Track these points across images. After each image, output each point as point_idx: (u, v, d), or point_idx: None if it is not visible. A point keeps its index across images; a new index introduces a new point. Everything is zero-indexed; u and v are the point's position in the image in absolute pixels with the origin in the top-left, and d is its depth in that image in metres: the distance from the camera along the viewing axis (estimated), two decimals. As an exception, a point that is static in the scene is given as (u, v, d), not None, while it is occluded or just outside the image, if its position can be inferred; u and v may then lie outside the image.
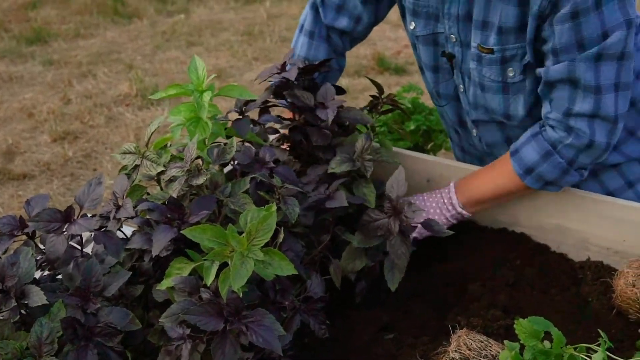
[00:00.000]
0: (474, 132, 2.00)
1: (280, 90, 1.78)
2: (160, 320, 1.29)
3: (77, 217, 1.37)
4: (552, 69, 1.65)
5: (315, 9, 2.05)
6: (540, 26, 1.64)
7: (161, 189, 1.58)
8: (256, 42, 5.15)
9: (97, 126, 3.91)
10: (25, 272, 1.29)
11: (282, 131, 1.83)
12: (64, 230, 1.36)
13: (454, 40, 1.83)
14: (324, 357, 1.54)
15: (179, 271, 1.35)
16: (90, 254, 1.43)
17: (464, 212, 1.83)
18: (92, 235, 1.42)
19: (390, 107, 1.91)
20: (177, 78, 4.47)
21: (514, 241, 1.87)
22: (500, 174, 1.82)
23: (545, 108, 1.75)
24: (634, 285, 1.56)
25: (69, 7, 5.86)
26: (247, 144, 1.67)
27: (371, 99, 1.91)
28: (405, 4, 1.92)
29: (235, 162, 1.55)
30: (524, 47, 1.71)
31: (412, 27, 1.93)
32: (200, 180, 1.41)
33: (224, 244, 1.28)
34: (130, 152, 1.56)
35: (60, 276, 1.41)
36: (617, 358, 1.35)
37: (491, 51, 1.74)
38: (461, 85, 1.91)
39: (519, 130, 1.87)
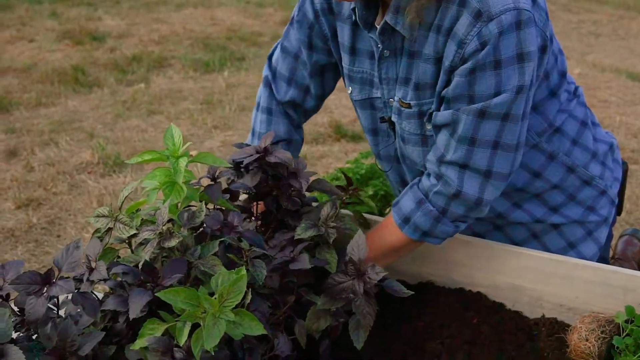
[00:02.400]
0: None
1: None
2: (135, 378, 1.33)
3: (56, 280, 1.41)
4: (440, 114, 1.72)
5: (268, 85, 2.14)
6: (449, 80, 1.71)
7: (132, 251, 1.64)
8: (215, 111, 5.24)
9: (60, 193, 3.93)
10: (3, 333, 1.33)
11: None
12: (44, 292, 1.40)
13: (392, 103, 1.89)
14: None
15: (152, 332, 1.40)
16: (64, 315, 1.47)
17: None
18: (68, 297, 1.46)
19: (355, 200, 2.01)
20: (139, 146, 4.52)
21: (471, 300, 1.92)
22: (387, 230, 1.88)
23: (429, 153, 1.82)
24: (587, 340, 1.62)
25: (30, 76, 5.92)
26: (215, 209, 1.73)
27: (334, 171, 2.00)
28: (342, 71, 2.01)
29: (205, 226, 1.61)
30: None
31: (349, 92, 2.01)
32: (172, 242, 1.47)
33: (196, 306, 1.33)
34: (103, 216, 1.61)
35: (35, 336, 1.44)
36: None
37: (409, 106, 1.82)
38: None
39: None
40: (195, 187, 1.73)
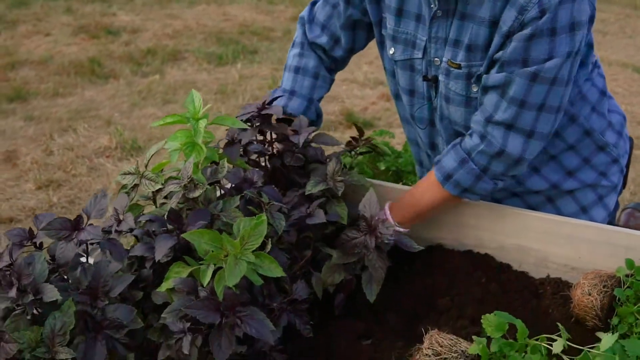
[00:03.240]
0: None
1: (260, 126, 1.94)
2: (162, 315, 1.41)
3: (85, 226, 1.50)
4: (492, 76, 1.81)
5: (303, 26, 2.24)
6: (504, 43, 1.80)
7: (156, 207, 1.73)
8: (229, 100, 5.33)
9: (80, 175, 4.03)
10: (40, 273, 1.42)
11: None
12: (73, 237, 1.49)
13: (438, 63, 1.97)
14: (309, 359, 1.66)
15: (177, 274, 1.49)
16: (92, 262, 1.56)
17: (401, 229, 1.92)
18: (97, 245, 1.55)
19: (367, 149, 2.09)
20: (155, 132, 4.62)
21: (479, 261, 2.00)
22: (428, 187, 1.97)
23: (475, 113, 1.90)
24: (589, 294, 1.68)
25: (46, 69, 6.03)
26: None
27: (350, 139, 2.08)
28: (386, 31, 2.08)
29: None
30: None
31: (391, 53, 2.09)
32: (197, 193, 1.56)
33: (219, 248, 1.42)
34: (130, 173, 1.70)
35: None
36: (575, 345, 1.50)
37: (459, 66, 1.90)
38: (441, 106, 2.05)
39: None
40: (214, 148, 1.81)
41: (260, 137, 1.93)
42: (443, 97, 2.01)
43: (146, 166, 1.74)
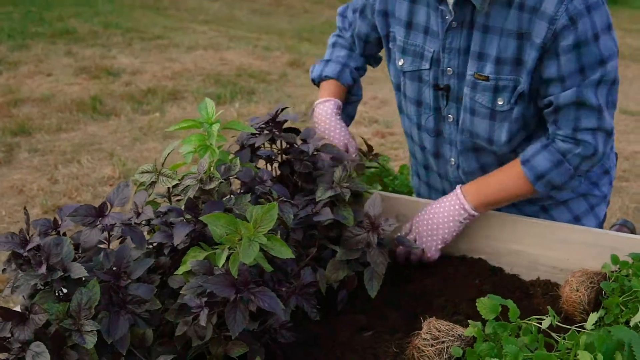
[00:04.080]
0: (452, 160, 2.27)
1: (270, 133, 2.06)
2: (181, 292, 1.52)
3: (108, 213, 1.61)
4: (562, 96, 1.94)
5: (340, 15, 2.47)
6: (542, 56, 1.93)
7: (171, 204, 1.83)
8: (228, 137, 5.45)
9: (84, 201, 4.14)
10: (67, 254, 1.52)
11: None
12: (98, 223, 1.60)
13: (450, 72, 2.09)
14: (313, 349, 1.75)
15: (194, 258, 1.58)
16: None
17: (475, 213, 2.06)
18: (117, 234, 1.66)
19: (374, 166, 2.23)
20: (159, 161, 4.74)
21: (473, 265, 2.11)
22: (510, 180, 2.07)
23: (551, 127, 2.02)
24: (577, 290, 1.78)
25: (49, 106, 6.17)
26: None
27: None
28: (394, 44, 2.22)
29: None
30: (515, 80, 1.99)
31: (400, 64, 2.21)
32: (213, 184, 1.67)
33: (234, 231, 1.53)
34: (148, 172, 1.81)
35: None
36: (564, 325, 1.60)
37: (487, 79, 2.02)
38: (449, 115, 2.18)
39: (494, 158, 2.16)
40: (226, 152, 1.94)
41: (269, 144, 2.05)
42: (468, 111, 2.11)
43: (162, 164, 1.85)
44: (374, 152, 2.23)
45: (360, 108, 2.40)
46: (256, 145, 1.96)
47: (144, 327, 1.51)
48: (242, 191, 1.84)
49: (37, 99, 6.37)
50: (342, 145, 2.20)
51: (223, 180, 1.72)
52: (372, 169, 2.51)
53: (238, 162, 1.80)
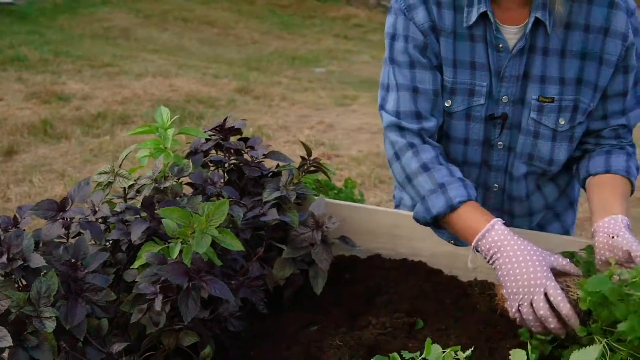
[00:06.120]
0: (495, 186, 2.25)
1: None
2: (136, 280, 1.61)
3: (69, 208, 1.70)
4: (632, 116, 2.12)
5: (398, 129, 2.12)
6: (614, 74, 2.04)
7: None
8: (184, 144, 5.55)
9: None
10: (27, 245, 1.59)
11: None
12: (59, 218, 1.68)
13: (506, 100, 2.07)
14: (261, 342, 1.84)
15: (149, 251, 1.69)
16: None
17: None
18: (76, 230, 1.74)
19: (314, 168, 2.32)
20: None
21: (413, 267, 2.20)
22: (624, 189, 2.05)
23: (610, 140, 2.14)
24: None
25: (0, 129, 6.18)
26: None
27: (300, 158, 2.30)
28: (443, 84, 2.09)
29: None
30: (576, 99, 2.05)
31: (447, 105, 2.11)
32: (167, 183, 1.78)
33: (187, 224, 1.63)
34: (105, 172, 1.91)
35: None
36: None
37: (552, 100, 2.05)
38: (500, 143, 2.15)
39: (544, 179, 2.25)
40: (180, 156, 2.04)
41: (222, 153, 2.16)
42: (530, 134, 2.11)
43: (119, 166, 1.95)
44: (314, 157, 2.30)
45: (307, 132, 2.50)
46: (205, 149, 2.07)
47: (100, 314, 1.59)
48: (193, 193, 1.94)
49: (-13, 123, 6.40)
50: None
51: (176, 181, 1.81)
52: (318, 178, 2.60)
53: (191, 164, 1.90)
